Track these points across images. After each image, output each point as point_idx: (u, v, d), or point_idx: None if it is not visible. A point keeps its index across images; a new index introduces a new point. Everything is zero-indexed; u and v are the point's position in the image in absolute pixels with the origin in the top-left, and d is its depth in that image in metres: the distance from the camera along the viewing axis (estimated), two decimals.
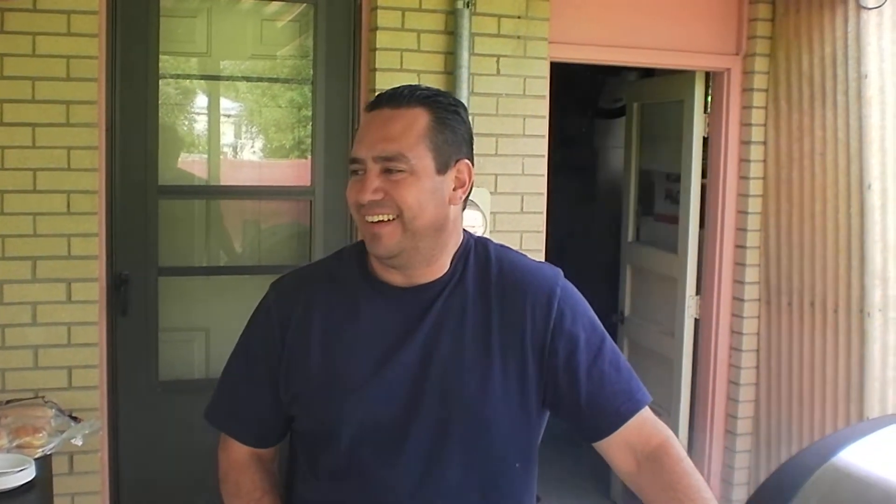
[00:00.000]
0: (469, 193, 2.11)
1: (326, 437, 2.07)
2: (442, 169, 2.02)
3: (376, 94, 2.18)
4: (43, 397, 3.92)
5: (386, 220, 1.98)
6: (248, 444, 2.20)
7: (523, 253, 2.26)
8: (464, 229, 2.18)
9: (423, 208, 1.99)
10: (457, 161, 2.05)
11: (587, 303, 2.17)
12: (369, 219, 1.99)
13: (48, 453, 3.41)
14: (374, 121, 2.02)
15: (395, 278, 2.09)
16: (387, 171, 1.97)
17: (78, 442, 3.56)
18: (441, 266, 2.09)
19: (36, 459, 3.23)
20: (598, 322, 2.16)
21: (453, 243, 2.12)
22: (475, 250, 2.15)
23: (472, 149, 2.12)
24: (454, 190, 2.06)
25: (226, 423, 2.23)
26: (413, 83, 2.10)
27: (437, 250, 2.07)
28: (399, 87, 2.06)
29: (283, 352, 2.10)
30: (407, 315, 2.08)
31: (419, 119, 2.01)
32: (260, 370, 2.15)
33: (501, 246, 2.22)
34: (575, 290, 2.17)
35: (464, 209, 2.14)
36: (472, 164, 2.10)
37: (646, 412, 2.11)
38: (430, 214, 2.01)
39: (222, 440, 2.24)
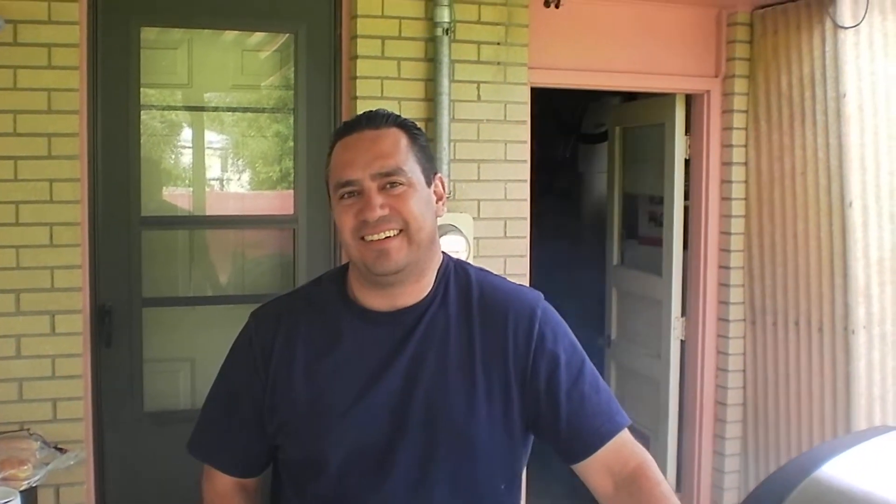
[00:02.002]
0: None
1: (313, 465, 2.06)
2: (428, 182, 2.08)
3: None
4: (28, 430, 3.92)
5: (392, 234, 2.00)
6: (231, 474, 2.20)
7: (504, 276, 2.27)
8: (443, 252, 2.19)
9: (425, 219, 2.04)
10: (434, 175, 2.11)
11: (567, 325, 2.18)
12: (375, 237, 2.00)
13: (33, 485, 3.40)
14: (359, 142, 2.04)
15: (377, 303, 2.10)
16: (385, 188, 2.00)
17: (63, 465, 3.55)
18: (425, 285, 2.11)
19: (21, 492, 3.22)
20: (578, 344, 2.17)
21: (437, 259, 2.15)
22: (455, 273, 2.17)
23: None
24: (437, 202, 2.11)
25: (209, 454, 2.22)
26: (392, 110, 2.13)
27: (429, 265, 2.10)
28: (372, 111, 2.11)
29: (266, 382, 2.10)
30: (390, 339, 2.08)
31: (400, 137, 2.06)
32: (242, 401, 2.14)
33: (480, 269, 2.23)
34: (555, 312, 2.18)
35: None
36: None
37: (625, 434, 2.10)
38: (430, 225, 2.06)
39: (206, 471, 2.23)
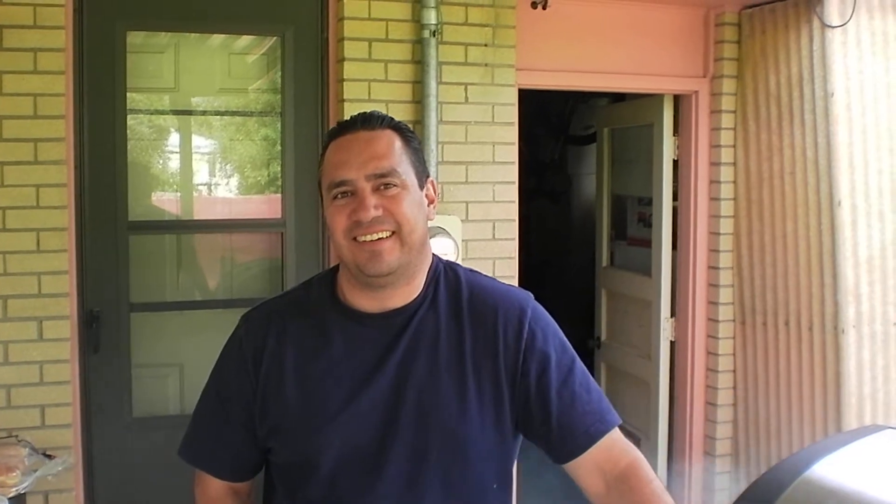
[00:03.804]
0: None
1: (305, 468, 2.05)
2: (421, 184, 2.08)
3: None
4: (16, 436, 3.90)
5: (385, 236, 1.99)
6: (223, 478, 2.19)
7: (493, 277, 2.27)
8: (433, 254, 2.18)
9: (417, 221, 2.03)
10: (426, 178, 2.11)
11: (557, 325, 2.18)
12: (367, 238, 1.99)
13: (22, 492, 3.38)
14: (354, 143, 2.03)
15: (367, 304, 2.09)
16: (379, 189, 1.99)
17: (51, 478, 3.54)
18: (416, 287, 2.10)
19: (10, 499, 3.21)
20: (569, 344, 2.16)
21: (428, 261, 2.14)
22: (445, 274, 2.16)
23: None
24: (428, 205, 2.11)
25: (200, 459, 2.21)
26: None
27: (420, 267, 2.10)
28: (366, 112, 2.10)
29: (256, 385, 2.09)
30: (380, 341, 2.07)
31: (394, 139, 2.05)
32: (233, 405, 2.13)
33: (470, 270, 2.23)
34: (545, 312, 2.18)
35: None
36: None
37: (615, 434, 2.10)
38: (422, 228, 2.05)
39: (197, 476, 2.22)
